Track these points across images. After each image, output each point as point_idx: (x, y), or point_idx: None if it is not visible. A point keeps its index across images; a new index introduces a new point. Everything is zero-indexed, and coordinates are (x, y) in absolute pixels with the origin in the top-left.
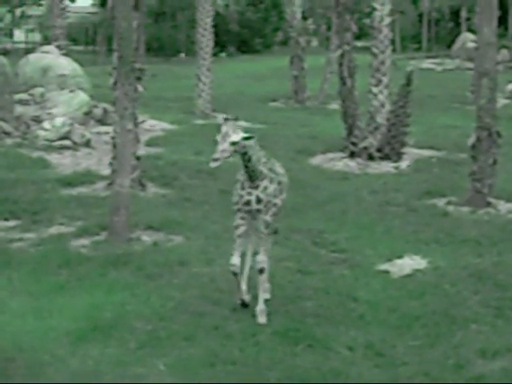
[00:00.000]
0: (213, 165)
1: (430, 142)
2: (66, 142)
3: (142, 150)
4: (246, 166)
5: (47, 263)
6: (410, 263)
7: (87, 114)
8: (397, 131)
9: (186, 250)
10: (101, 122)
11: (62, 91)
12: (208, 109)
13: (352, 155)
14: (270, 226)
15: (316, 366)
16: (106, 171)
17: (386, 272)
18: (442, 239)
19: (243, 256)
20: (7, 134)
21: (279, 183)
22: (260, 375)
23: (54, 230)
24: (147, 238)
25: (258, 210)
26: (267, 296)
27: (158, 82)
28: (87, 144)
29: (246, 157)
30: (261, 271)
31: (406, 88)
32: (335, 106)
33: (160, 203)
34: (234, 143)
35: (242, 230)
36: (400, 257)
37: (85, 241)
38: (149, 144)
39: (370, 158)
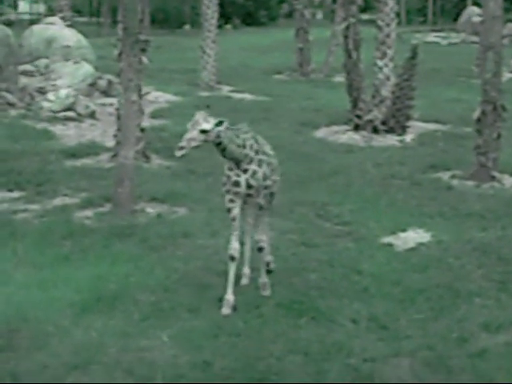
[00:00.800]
0: (178, 153)
1: (435, 116)
2: (71, 114)
3: (146, 122)
4: (224, 156)
5: (51, 234)
6: (413, 236)
7: (92, 85)
8: (402, 104)
9: (190, 222)
10: (105, 93)
11: (67, 62)
12: (212, 81)
13: (356, 128)
14: (264, 207)
15: (319, 338)
16: (111, 143)
17: (390, 245)
18: (446, 213)
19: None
20: (12, 105)
21: (269, 164)
22: (264, 347)
23: (58, 201)
24: (151, 209)
25: (249, 195)
26: (272, 266)
27: (163, 54)
28: (92, 115)
29: (220, 147)
30: (260, 250)
31: (411, 61)
32: (340, 78)
33: (164, 175)
34: (203, 131)
35: (235, 212)
36: (404, 230)
37: (89, 212)
38: (153, 116)
39: (375, 130)
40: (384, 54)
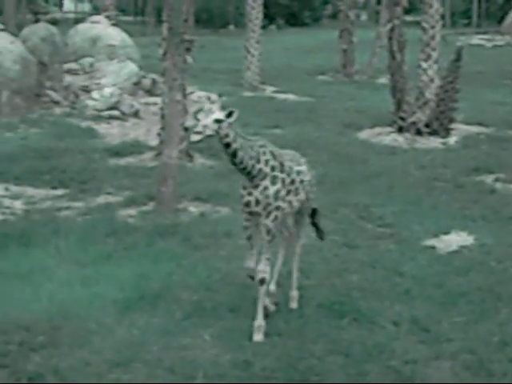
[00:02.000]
0: (195, 137)
1: (479, 118)
2: (115, 112)
3: (190, 121)
4: (234, 163)
5: (94, 232)
6: (456, 239)
7: (136, 84)
8: (445, 107)
9: (233, 222)
10: (149, 92)
11: (111, 61)
12: (256, 81)
13: (400, 130)
14: (271, 233)
15: (361, 339)
16: (154, 142)
17: (433, 247)
18: (489, 216)
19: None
20: (56, 103)
21: (291, 183)
22: (305, 347)
23: (101, 199)
24: (194, 208)
25: (257, 213)
26: (270, 307)
27: (207, 54)
28: (135, 114)
29: (229, 150)
30: (261, 282)
31: (456, 63)
32: (384, 80)
33: (207, 174)
34: (217, 121)
35: (250, 232)
36: (447, 233)
37: (132, 211)
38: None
39: (418, 133)
40: (428, 56)
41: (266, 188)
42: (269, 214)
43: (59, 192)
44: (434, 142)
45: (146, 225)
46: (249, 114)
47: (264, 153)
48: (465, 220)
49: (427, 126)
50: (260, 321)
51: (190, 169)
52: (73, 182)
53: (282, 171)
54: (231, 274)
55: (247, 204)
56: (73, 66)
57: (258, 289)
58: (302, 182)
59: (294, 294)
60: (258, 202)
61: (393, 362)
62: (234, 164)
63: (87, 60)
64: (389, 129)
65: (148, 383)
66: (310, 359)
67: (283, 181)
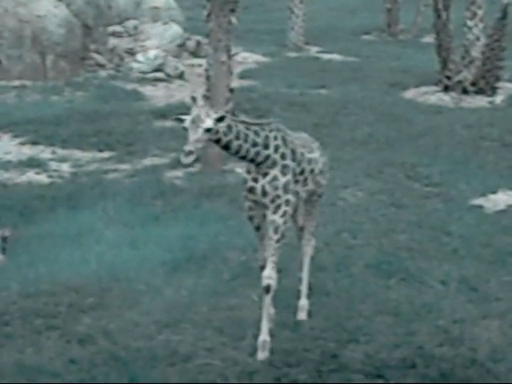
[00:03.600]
0: (186, 160)
1: None
2: (160, 75)
3: (235, 83)
4: (230, 154)
5: (142, 194)
6: (504, 198)
7: (180, 46)
8: (492, 65)
9: None
10: (194, 54)
11: (156, 24)
12: (300, 41)
13: (446, 89)
14: (279, 230)
15: (409, 299)
16: (200, 103)
17: (480, 207)
18: None
19: None
20: (101, 66)
21: (301, 173)
22: (353, 307)
23: (148, 161)
24: (240, 169)
25: (264, 205)
26: (270, 325)
27: (250, 15)
28: (180, 76)
29: (220, 144)
30: (267, 289)
31: (502, 21)
32: (429, 39)
33: None
34: (208, 130)
35: (257, 221)
36: (494, 192)
37: (178, 172)
38: (242, 76)
39: (464, 91)
40: (474, 14)
41: (275, 178)
42: (277, 208)
43: (106, 154)
44: (481, 101)
45: (193, 186)
46: (294, 74)
47: (275, 137)
48: None
49: (473, 84)
50: (264, 335)
51: None
52: (119, 145)
53: (293, 159)
54: None
55: (251, 190)
56: (117, 28)
57: (263, 297)
58: (312, 171)
59: (304, 303)
60: (265, 193)
61: (441, 321)
62: (231, 154)
63: (131, 22)
64: (434, 88)
65: (197, 343)
66: (359, 319)
67: (294, 171)
